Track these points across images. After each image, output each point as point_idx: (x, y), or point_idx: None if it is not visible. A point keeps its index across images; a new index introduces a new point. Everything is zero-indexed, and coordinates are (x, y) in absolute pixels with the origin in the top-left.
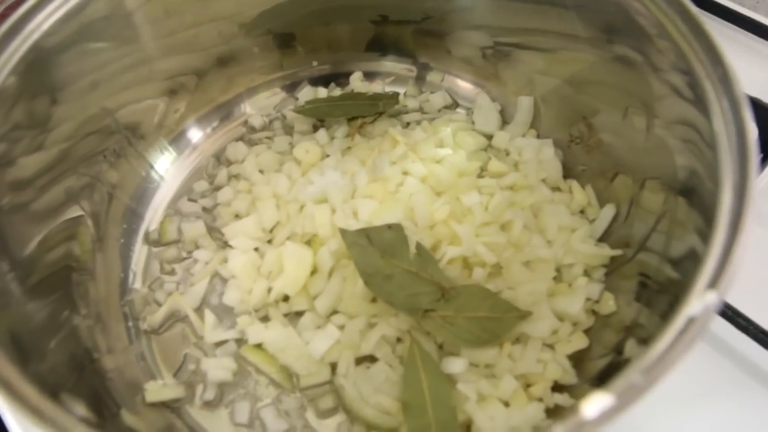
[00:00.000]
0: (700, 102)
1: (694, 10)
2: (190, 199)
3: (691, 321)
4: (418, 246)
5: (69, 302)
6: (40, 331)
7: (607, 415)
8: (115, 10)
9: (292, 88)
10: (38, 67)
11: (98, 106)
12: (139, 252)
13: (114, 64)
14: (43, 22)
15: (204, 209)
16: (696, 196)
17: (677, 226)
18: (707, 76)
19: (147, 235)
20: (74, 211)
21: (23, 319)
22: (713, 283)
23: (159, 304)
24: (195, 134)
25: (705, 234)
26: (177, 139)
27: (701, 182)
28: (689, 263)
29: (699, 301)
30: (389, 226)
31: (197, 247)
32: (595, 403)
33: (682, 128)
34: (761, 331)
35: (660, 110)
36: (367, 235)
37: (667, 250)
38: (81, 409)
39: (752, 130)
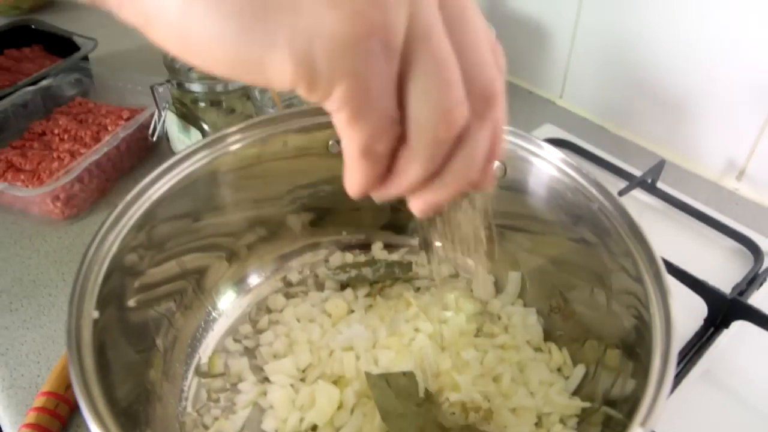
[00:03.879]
0: (638, 278)
1: (636, 219)
2: (235, 339)
3: None
4: (426, 391)
5: (144, 418)
6: None
7: None
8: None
9: (324, 251)
10: (154, 212)
11: (177, 257)
12: (191, 381)
13: (196, 223)
14: (161, 187)
15: (246, 348)
16: (640, 357)
17: (627, 380)
18: (645, 271)
19: (198, 367)
20: (153, 343)
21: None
22: (643, 422)
23: (206, 428)
24: (248, 283)
25: (642, 386)
26: (234, 285)
27: (643, 343)
28: (632, 408)
29: None
30: (404, 373)
31: (240, 380)
32: None
33: (628, 298)
34: None
35: (613, 283)
36: (386, 379)
37: (621, 400)
38: None
39: (675, 316)
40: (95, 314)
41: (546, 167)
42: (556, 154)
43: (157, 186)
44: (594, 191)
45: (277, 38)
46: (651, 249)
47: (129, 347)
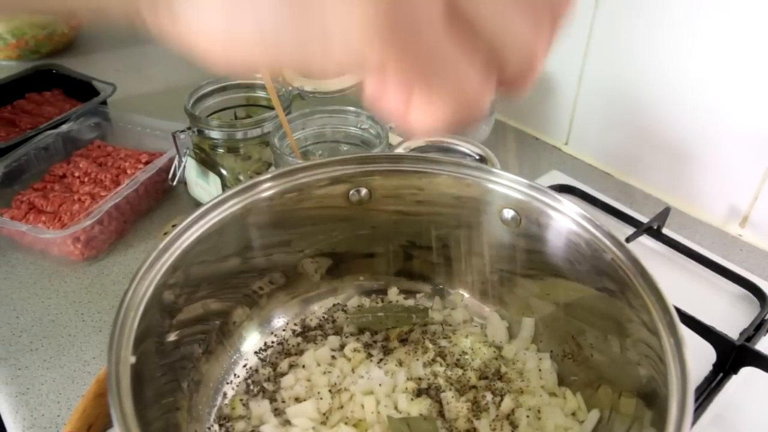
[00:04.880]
0: (655, 334)
1: (649, 269)
2: (256, 382)
3: None
4: None
5: None
6: None
7: None
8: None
9: (342, 295)
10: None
11: (203, 301)
12: (213, 423)
13: (220, 269)
14: (192, 235)
15: (267, 391)
16: (656, 404)
17: (643, 427)
18: (659, 320)
19: (220, 409)
20: (179, 386)
21: None
22: None
23: None
24: (267, 327)
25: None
26: (256, 328)
27: (659, 393)
28: None
29: None
30: (424, 418)
31: (262, 422)
32: None
33: (643, 347)
34: None
35: (629, 332)
36: (408, 423)
37: None
38: None
39: (690, 367)
40: (132, 359)
41: (562, 219)
42: (572, 207)
43: (188, 234)
44: (608, 242)
45: (326, 23)
46: (665, 299)
47: (160, 389)
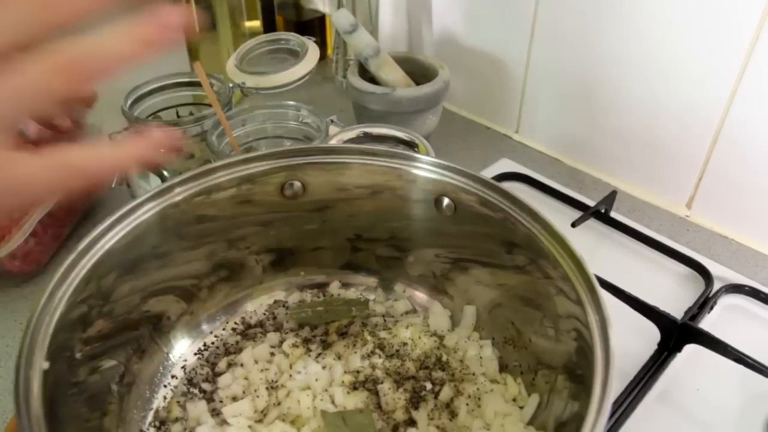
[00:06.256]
0: (580, 306)
1: (574, 246)
2: (193, 383)
3: None
4: (382, 429)
5: None
6: None
7: None
8: (159, 228)
9: (283, 292)
10: (104, 262)
11: (135, 300)
12: (150, 426)
13: (150, 265)
14: (111, 238)
15: (204, 391)
16: (583, 379)
17: (574, 402)
18: (582, 290)
19: (157, 412)
20: (109, 390)
21: None
22: None
23: None
24: (205, 326)
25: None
26: (191, 328)
27: (586, 367)
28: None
29: None
30: (360, 411)
31: (199, 423)
32: None
33: (573, 321)
34: None
35: (559, 310)
36: (343, 417)
37: (569, 422)
38: None
39: (614, 344)
40: (45, 365)
41: (493, 202)
42: (502, 190)
43: (107, 237)
44: (529, 218)
45: None
46: (585, 269)
47: (81, 398)
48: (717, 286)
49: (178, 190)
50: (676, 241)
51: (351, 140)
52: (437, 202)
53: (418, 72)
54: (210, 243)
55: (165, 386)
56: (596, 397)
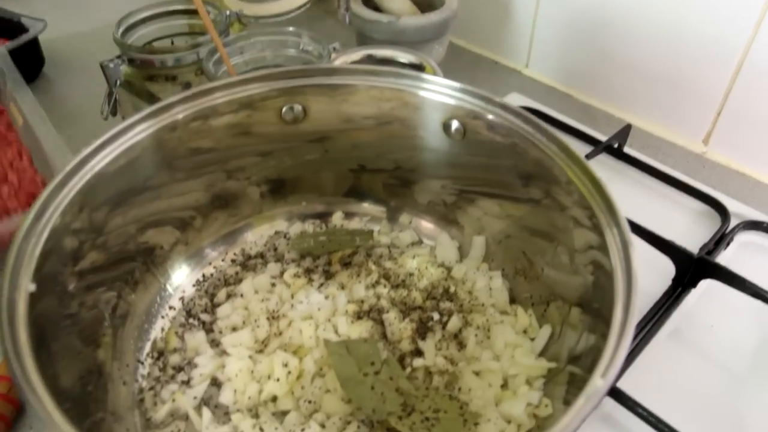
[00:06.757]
0: (599, 232)
1: (590, 166)
2: (192, 313)
3: (587, 399)
4: (387, 358)
5: (95, 401)
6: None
7: None
8: (154, 151)
9: (284, 222)
10: (96, 188)
11: (129, 230)
12: (146, 357)
13: (143, 196)
14: (105, 156)
15: (203, 322)
16: (600, 311)
17: (590, 335)
18: (601, 212)
19: (155, 342)
20: (101, 322)
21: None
22: (604, 374)
23: (163, 403)
24: (203, 256)
25: (605, 337)
26: (188, 258)
27: (604, 298)
28: (593, 363)
29: (592, 385)
30: (365, 340)
31: (198, 354)
32: None
33: (590, 252)
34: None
35: (574, 239)
36: (347, 346)
37: (584, 356)
38: None
39: (636, 266)
40: (32, 287)
41: (504, 123)
42: (513, 109)
43: (98, 158)
44: (544, 140)
45: None
46: (604, 190)
47: (74, 330)
48: (734, 222)
49: (174, 110)
50: (692, 177)
51: (355, 62)
52: (446, 126)
53: (424, 2)
54: (208, 174)
55: (162, 317)
56: (617, 321)
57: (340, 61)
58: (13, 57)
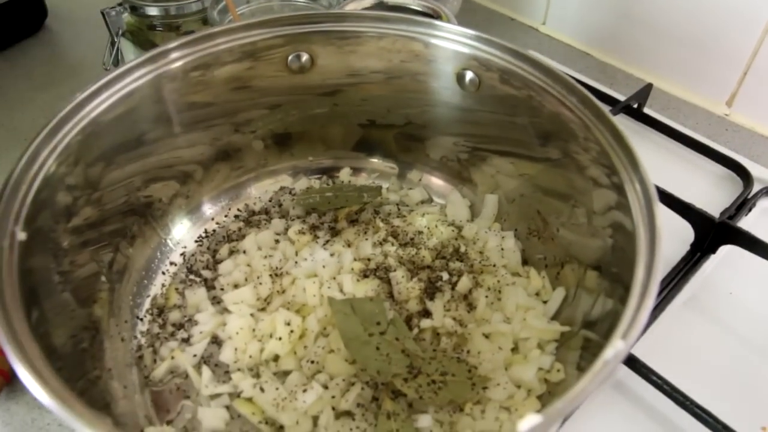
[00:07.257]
0: (619, 190)
1: (613, 117)
2: (193, 269)
3: (605, 363)
4: (394, 318)
5: (91, 358)
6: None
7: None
8: (153, 100)
9: (289, 177)
10: (93, 137)
11: (128, 185)
12: (145, 313)
13: (142, 149)
14: (101, 103)
15: (204, 279)
16: (620, 275)
17: (607, 299)
18: (623, 167)
19: (154, 299)
20: (99, 278)
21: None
22: (624, 335)
23: (162, 360)
24: (205, 211)
25: (624, 301)
26: (189, 213)
27: (624, 260)
28: (611, 328)
29: (612, 347)
30: (371, 299)
31: (198, 311)
32: (527, 422)
33: (610, 214)
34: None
35: (594, 199)
36: (351, 304)
37: (600, 321)
38: None
39: (660, 222)
40: (22, 235)
41: (522, 74)
42: (532, 60)
43: (95, 103)
44: (564, 92)
45: None
46: (626, 142)
47: (68, 287)
48: (757, 187)
49: (173, 55)
50: (714, 140)
51: (365, 9)
52: (459, 78)
53: None
54: (214, 127)
55: (163, 273)
56: (639, 281)
57: (351, 6)
58: (15, 9)
